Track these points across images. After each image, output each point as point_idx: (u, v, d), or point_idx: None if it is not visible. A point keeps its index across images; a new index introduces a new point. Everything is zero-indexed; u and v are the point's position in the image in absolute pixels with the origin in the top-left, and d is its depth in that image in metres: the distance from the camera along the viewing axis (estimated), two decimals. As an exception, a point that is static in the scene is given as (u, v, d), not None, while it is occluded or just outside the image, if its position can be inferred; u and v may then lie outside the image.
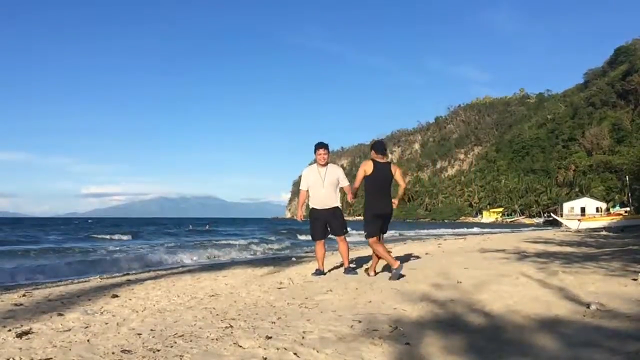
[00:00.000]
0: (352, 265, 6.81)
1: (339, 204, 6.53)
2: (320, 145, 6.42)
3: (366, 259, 8.82)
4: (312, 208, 6.53)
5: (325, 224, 6.49)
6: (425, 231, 38.88)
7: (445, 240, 18.86)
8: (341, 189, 6.60)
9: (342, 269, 6.70)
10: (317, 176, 6.41)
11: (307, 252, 16.22)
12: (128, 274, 9.34)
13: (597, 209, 64.86)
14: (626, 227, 28.45)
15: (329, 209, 6.43)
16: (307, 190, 6.53)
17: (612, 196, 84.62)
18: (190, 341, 3.15)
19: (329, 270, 6.85)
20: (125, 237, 27.75)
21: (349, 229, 6.73)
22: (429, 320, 3.59)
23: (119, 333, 3.48)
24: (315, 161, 6.53)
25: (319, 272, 6.49)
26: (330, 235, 6.65)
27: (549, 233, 24.09)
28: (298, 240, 25.01)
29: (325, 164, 6.44)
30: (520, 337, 3.06)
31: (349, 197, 6.55)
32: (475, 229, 46.41)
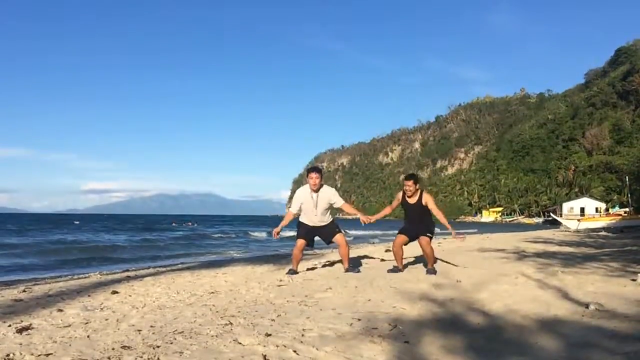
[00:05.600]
0: (351, 265, 6.80)
1: (330, 221, 6.42)
2: (312, 170, 6.18)
3: (360, 259, 8.82)
4: (301, 221, 6.40)
5: (312, 235, 6.42)
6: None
7: (444, 239, 18.83)
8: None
9: (341, 267, 6.72)
10: (309, 200, 6.23)
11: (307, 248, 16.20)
12: (128, 270, 9.35)
13: (596, 209, 64.89)
14: (625, 227, 28.44)
15: (318, 226, 6.38)
16: (297, 213, 6.39)
17: (611, 196, 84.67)
18: (190, 338, 3.15)
19: (323, 266, 6.86)
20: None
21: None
22: (428, 319, 3.59)
23: (118, 329, 3.48)
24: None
25: (292, 272, 6.43)
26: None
27: (549, 233, 24.06)
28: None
29: (317, 190, 6.23)
30: (520, 336, 3.07)
31: (364, 219, 6.36)
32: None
